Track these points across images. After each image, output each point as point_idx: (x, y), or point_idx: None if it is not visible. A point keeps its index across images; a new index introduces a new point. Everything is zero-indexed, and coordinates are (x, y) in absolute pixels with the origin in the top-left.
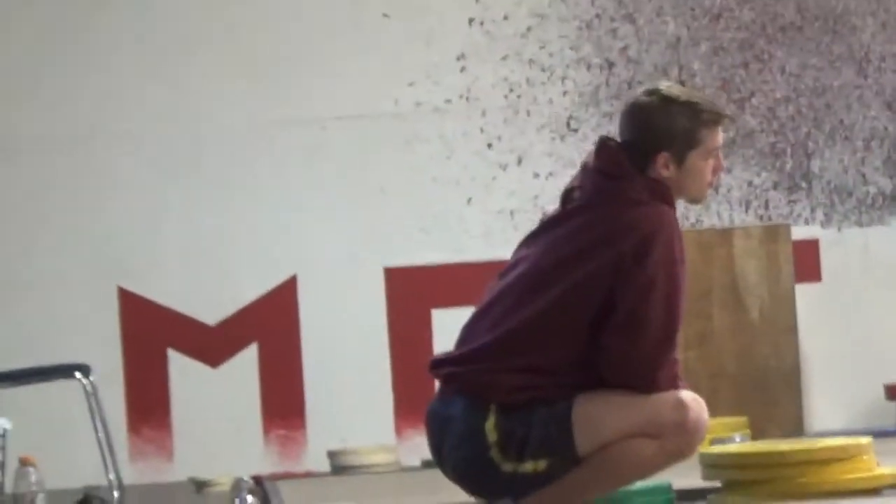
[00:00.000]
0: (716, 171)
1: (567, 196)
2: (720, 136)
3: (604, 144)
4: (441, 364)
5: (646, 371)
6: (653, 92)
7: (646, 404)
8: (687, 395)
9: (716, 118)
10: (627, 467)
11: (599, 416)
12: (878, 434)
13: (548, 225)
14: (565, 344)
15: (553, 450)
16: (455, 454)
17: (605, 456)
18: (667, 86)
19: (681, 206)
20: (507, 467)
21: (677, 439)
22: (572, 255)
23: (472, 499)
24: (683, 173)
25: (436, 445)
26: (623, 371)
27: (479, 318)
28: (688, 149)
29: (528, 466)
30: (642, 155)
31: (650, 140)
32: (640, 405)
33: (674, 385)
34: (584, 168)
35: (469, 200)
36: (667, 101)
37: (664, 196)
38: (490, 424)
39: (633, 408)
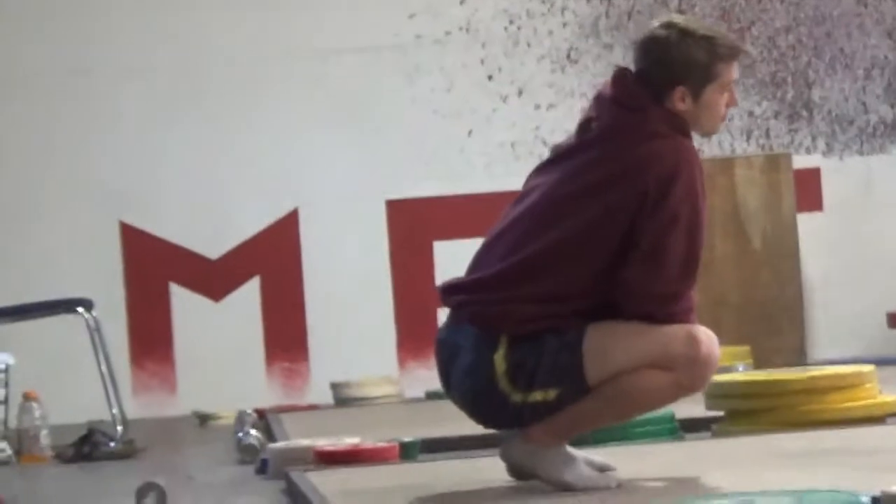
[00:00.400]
0: (729, 105)
1: (583, 126)
2: (736, 71)
3: (620, 75)
4: (452, 290)
5: (664, 304)
6: (670, 25)
7: (658, 336)
8: (699, 328)
9: (732, 52)
10: (638, 398)
11: (611, 346)
12: (881, 362)
13: (564, 154)
14: (579, 275)
15: (563, 379)
16: (463, 384)
17: (615, 386)
18: (683, 19)
19: None
20: (516, 397)
21: (688, 372)
22: (591, 187)
23: (479, 429)
24: (699, 107)
25: (444, 374)
26: (641, 303)
27: (491, 246)
28: (704, 82)
29: (537, 396)
30: (658, 87)
31: (667, 73)
32: (652, 337)
33: (688, 318)
34: (600, 98)
35: (470, 132)
36: (684, 34)
37: (682, 128)
38: (499, 355)
39: (644, 339)
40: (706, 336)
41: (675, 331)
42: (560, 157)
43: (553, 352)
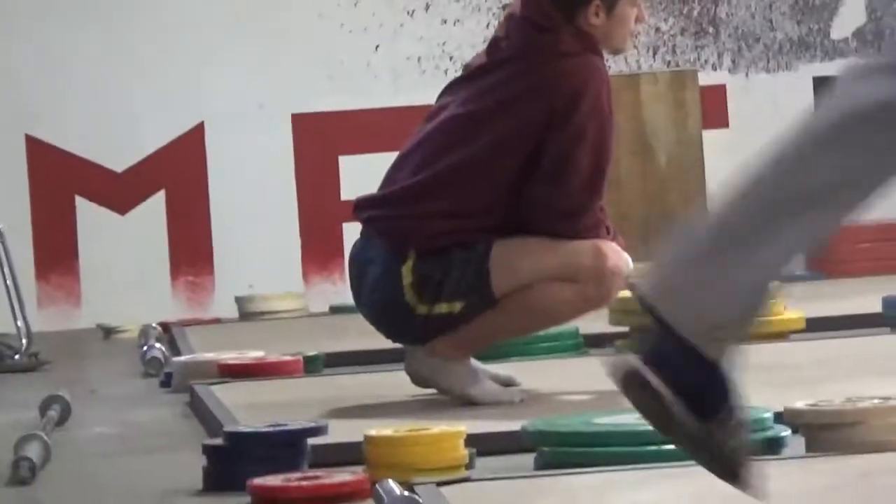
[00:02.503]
0: (638, 20)
1: (494, 45)
2: None
3: None
4: (363, 206)
5: (570, 219)
6: None
7: (565, 249)
8: (605, 242)
9: None
10: (543, 311)
11: (518, 259)
12: (785, 279)
13: (474, 73)
14: (488, 191)
15: (469, 291)
16: (371, 297)
17: (521, 299)
18: None
19: None
20: (422, 309)
21: (594, 284)
22: (500, 105)
23: (383, 343)
24: (612, 21)
25: (355, 288)
26: (548, 219)
27: (402, 162)
28: None
29: (442, 308)
30: (572, 4)
31: None
32: (559, 249)
33: (597, 233)
34: (511, 17)
35: (376, 47)
36: None
37: (593, 47)
38: (407, 268)
39: (551, 252)
40: (613, 250)
41: (582, 244)
42: (471, 75)
43: (460, 265)
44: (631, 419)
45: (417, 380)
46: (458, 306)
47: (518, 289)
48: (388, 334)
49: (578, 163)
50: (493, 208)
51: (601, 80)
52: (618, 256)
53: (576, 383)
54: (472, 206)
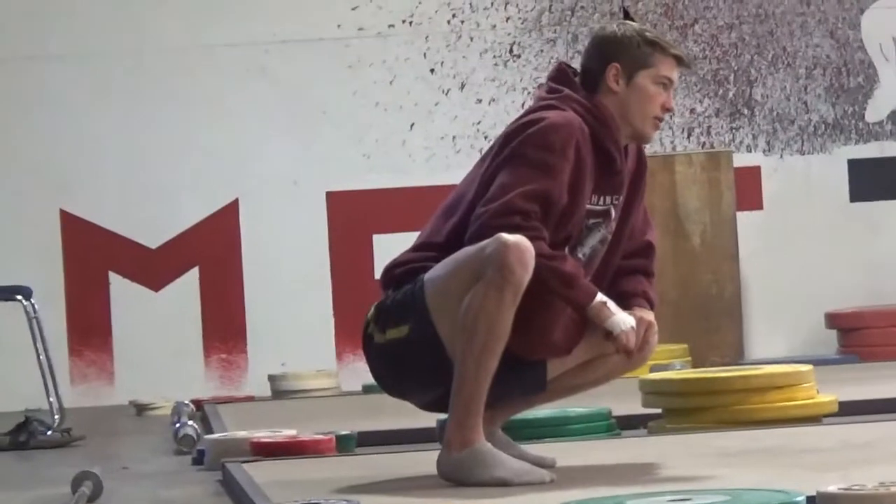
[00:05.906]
0: (665, 106)
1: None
2: (673, 70)
3: (556, 66)
4: None
5: (484, 224)
6: (612, 21)
7: (473, 248)
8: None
9: (667, 46)
10: (477, 318)
11: (441, 271)
12: (818, 362)
13: None
14: (448, 225)
15: (409, 311)
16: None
17: (460, 318)
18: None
19: None
20: (379, 339)
21: (497, 269)
22: (488, 152)
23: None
24: (631, 91)
25: None
26: (470, 228)
27: None
28: (638, 67)
29: (392, 333)
30: (595, 74)
31: (602, 54)
32: (468, 250)
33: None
34: (539, 87)
35: (412, 126)
36: (623, 23)
37: (592, 112)
38: (374, 306)
39: (463, 255)
40: (513, 237)
41: (487, 241)
42: None
43: (404, 292)
44: (663, 501)
45: (452, 482)
46: (404, 330)
47: (446, 297)
48: (375, 375)
49: (508, 176)
50: (450, 242)
51: (561, 121)
52: (518, 240)
53: (608, 465)
54: (432, 239)
